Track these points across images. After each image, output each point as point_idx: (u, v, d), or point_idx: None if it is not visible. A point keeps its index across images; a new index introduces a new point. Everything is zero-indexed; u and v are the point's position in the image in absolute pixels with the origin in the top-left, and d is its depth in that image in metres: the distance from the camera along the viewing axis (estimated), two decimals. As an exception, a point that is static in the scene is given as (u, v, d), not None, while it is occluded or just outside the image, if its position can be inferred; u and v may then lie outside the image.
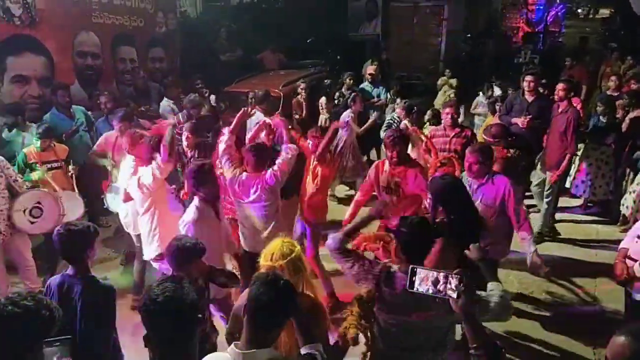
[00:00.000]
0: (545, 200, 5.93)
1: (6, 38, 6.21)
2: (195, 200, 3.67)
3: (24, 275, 4.67)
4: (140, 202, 4.19)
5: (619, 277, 3.49)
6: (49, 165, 4.94)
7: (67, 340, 1.96)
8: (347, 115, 6.82)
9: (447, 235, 2.88)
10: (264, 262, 2.54)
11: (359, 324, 2.57)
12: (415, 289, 2.14)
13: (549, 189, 5.87)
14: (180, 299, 1.83)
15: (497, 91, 8.13)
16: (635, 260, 3.42)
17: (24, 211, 4.39)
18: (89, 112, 6.22)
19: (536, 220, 5.81)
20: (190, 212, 3.61)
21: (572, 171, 6.32)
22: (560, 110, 5.73)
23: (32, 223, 4.42)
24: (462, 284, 2.05)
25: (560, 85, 5.76)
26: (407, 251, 2.52)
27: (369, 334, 2.72)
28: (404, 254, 2.53)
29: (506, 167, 4.88)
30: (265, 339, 1.94)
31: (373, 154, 8.11)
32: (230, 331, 2.67)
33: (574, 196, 6.56)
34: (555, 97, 5.80)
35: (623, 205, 5.76)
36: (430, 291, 2.11)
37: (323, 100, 7.34)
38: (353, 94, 7.14)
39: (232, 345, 1.95)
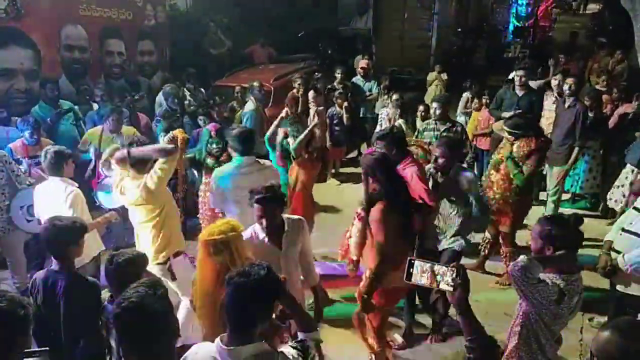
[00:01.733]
0: (551, 199, 5.85)
1: (-9, 30, 6.12)
2: None
3: (13, 270, 4.65)
4: (145, 211, 3.60)
5: (603, 270, 3.54)
6: (35, 160, 4.88)
7: (45, 352, 1.94)
8: (385, 113, 6.96)
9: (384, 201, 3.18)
10: (202, 233, 2.69)
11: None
12: (412, 281, 2.16)
13: (555, 186, 5.80)
14: (147, 307, 1.76)
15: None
16: (619, 253, 3.47)
17: (22, 208, 4.33)
18: (76, 106, 6.15)
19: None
20: None
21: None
22: (567, 105, 5.71)
23: (28, 221, 4.35)
24: (458, 277, 2.06)
25: (570, 80, 5.76)
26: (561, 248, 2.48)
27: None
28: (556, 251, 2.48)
29: (544, 156, 4.84)
30: (248, 335, 1.91)
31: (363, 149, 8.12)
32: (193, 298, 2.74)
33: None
34: (566, 92, 5.78)
35: (610, 199, 5.81)
36: (427, 283, 2.14)
37: (311, 93, 7.35)
38: (393, 94, 7.18)
39: (218, 339, 1.93)
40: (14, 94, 6.34)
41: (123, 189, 3.55)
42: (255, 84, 6.52)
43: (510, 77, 8.43)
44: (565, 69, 8.72)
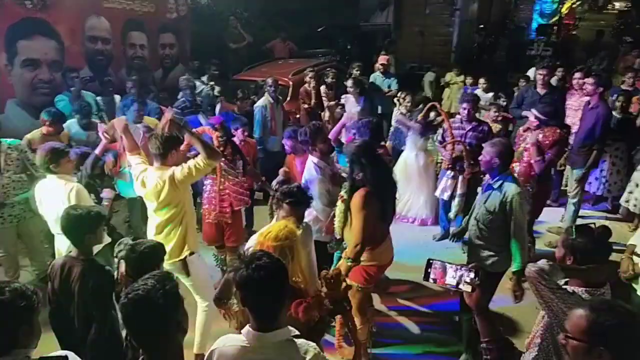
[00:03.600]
0: (572, 201, 5.71)
1: (18, 21, 6.22)
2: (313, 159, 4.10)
3: (33, 257, 4.75)
4: (164, 205, 3.57)
5: (624, 274, 3.47)
6: None
7: (63, 358, 1.99)
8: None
9: (366, 187, 3.32)
10: (259, 237, 2.67)
11: (321, 304, 2.57)
12: (429, 280, 2.16)
13: (576, 188, 5.65)
14: (151, 300, 1.78)
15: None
16: (642, 257, 3.40)
17: None
18: (98, 98, 6.24)
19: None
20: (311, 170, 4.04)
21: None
22: (590, 106, 5.53)
23: None
24: (477, 278, 2.05)
25: (589, 80, 5.56)
26: (585, 263, 2.39)
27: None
28: (580, 264, 2.39)
29: (564, 148, 4.89)
30: (275, 321, 1.95)
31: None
32: (219, 296, 2.70)
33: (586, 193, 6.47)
34: (584, 91, 5.66)
35: (628, 201, 5.68)
36: (444, 283, 2.13)
37: (323, 88, 7.37)
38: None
39: (247, 327, 1.97)
40: (37, 84, 6.46)
41: (145, 180, 3.52)
42: (269, 80, 6.50)
43: (529, 73, 8.39)
44: (588, 67, 8.54)
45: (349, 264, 3.33)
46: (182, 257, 3.59)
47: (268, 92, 6.38)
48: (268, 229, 2.69)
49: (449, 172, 5.32)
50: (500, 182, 3.51)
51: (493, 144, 3.59)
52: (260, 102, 6.41)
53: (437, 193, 5.58)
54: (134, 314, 1.79)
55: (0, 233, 4.45)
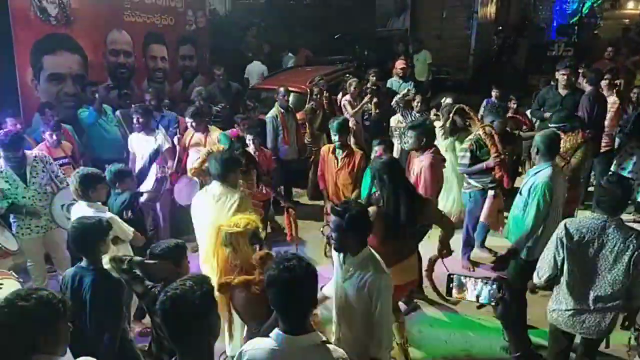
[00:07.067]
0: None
1: (43, 37, 6.39)
2: None
3: (58, 266, 4.86)
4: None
5: None
6: (60, 162, 4.95)
7: None
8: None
9: (383, 206, 3.29)
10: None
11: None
12: (452, 296, 2.10)
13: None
14: (188, 300, 1.82)
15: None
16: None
17: (62, 207, 4.50)
18: (118, 111, 6.34)
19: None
20: None
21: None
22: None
23: (68, 219, 4.52)
24: (501, 292, 1.99)
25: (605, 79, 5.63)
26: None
27: None
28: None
29: (591, 148, 4.88)
30: (302, 325, 1.96)
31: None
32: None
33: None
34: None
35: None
36: (468, 298, 2.07)
37: (340, 97, 7.37)
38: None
39: (277, 330, 1.97)
40: (63, 98, 6.62)
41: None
42: (281, 89, 6.51)
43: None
44: (615, 66, 8.38)
45: None
46: None
47: (279, 102, 6.39)
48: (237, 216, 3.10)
49: (491, 192, 4.85)
50: (539, 170, 3.59)
51: (541, 134, 3.76)
52: (271, 113, 6.42)
53: (483, 218, 4.97)
54: (171, 313, 1.83)
55: (27, 243, 4.55)
